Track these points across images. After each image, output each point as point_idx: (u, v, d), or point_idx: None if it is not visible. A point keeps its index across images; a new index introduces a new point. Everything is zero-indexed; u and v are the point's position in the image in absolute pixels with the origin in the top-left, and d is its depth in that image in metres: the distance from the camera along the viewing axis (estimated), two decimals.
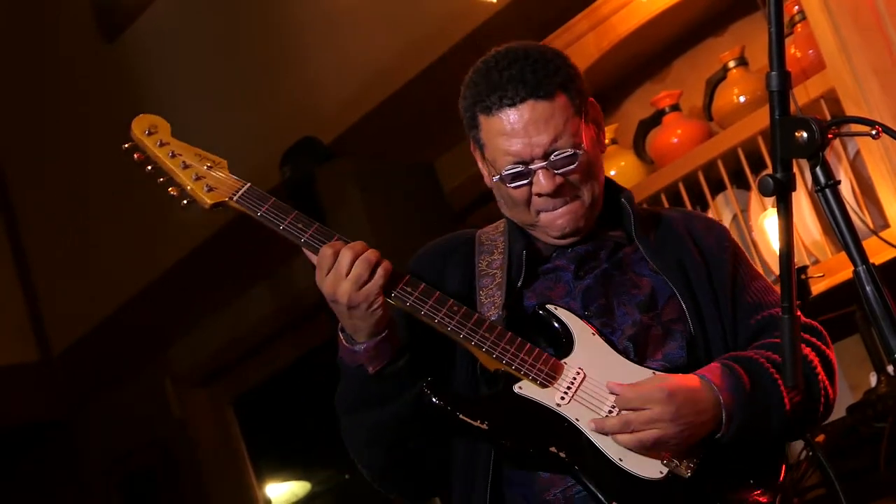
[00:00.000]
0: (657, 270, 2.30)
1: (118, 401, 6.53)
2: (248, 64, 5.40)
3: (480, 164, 2.36)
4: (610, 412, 2.17)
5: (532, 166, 2.24)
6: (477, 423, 2.16)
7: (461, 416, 2.16)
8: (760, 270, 2.47)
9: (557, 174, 2.24)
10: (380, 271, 2.18)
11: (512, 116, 2.23)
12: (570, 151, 2.24)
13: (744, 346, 2.28)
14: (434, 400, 2.17)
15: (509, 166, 2.25)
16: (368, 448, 2.30)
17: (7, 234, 6.76)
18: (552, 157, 2.24)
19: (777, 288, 1.93)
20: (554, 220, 2.29)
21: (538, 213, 2.29)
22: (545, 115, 2.22)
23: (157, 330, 6.22)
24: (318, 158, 4.78)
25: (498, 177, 2.27)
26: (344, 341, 2.23)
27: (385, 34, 4.76)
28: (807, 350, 2.26)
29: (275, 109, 5.23)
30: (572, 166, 2.25)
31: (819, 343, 2.30)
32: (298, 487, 6.40)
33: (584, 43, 3.77)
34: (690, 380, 2.16)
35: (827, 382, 2.26)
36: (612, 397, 2.18)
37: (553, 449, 2.16)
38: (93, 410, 6.67)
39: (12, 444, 6.90)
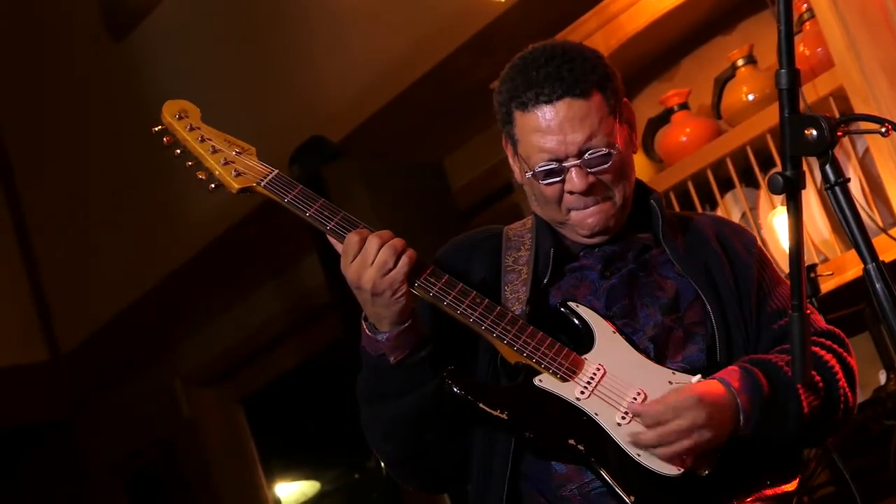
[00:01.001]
0: (682, 273, 2.30)
1: (127, 401, 6.54)
2: (255, 64, 5.41)
3: (512, 160, 2.35)
4: (633, 401, 2.17)
5: (565, 164, 2.24)
6: (497, 413, 2.17)
7: (481, 405, 2.17)
8: None
9: (590, 173, 2.24)
10: (404, 259, 2.18)
11: (548, 114, 2.23)
12: (603, 150, 2.23)
13: (765, 351, 2.27)
14: (455, 389, 2.18)
15: (542, 163, 2.25)
16: (385, 440, 2.31)
17: (16, 233, 6.77)
18: (586, 156, 2.23)
19: None
20: (584, 219, 2.28)
21: (569, 211, 2.29)
22: (581, 114, 2.22)
23: (165, 329, 6.23)
24: (326, 157, 4.79)
25: (530, 173, 2.27)
26: (367, 330, 2.23)
27: (392, 33, 4.76)
28: (828, 356, 2.25)
29: (282, 109, 5.23)
30: (605, 166, 2.24)
31: (840, 350, 2.29)
32: (308, 487, 6.41)
33: (593, 42, 3.75)
34: (713, 385, 2.16)
35: (847, 389, 2.25)
36: (632, 393, 2.18)
37: (572, 441, 2.17)
38: (101, 410, 6.68)
39: (19, 443, 6.92)
